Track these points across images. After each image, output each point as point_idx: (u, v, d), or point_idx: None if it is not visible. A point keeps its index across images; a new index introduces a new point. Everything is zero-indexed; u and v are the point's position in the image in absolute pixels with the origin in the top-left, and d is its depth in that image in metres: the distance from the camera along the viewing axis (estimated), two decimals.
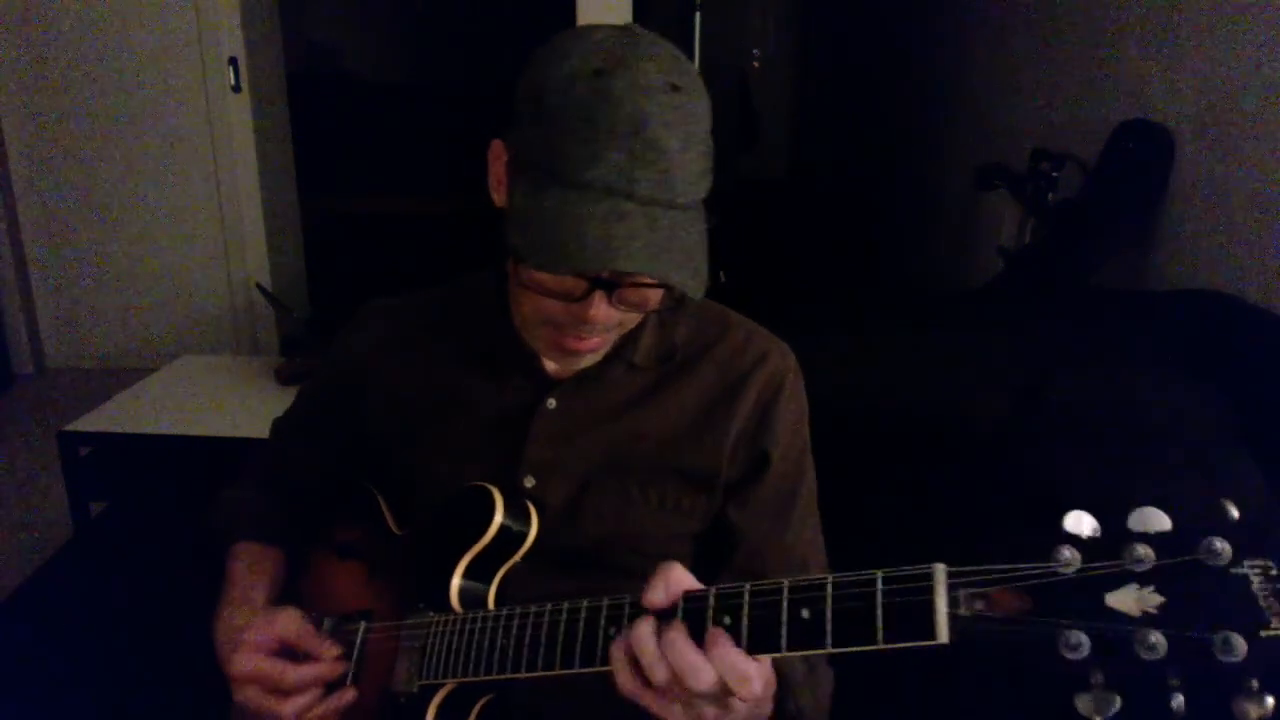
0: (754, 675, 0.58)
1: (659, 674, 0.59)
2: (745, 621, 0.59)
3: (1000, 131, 3.10)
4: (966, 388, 1.31)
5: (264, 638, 0.83)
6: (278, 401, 2.24)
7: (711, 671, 0.58)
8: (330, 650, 0.85)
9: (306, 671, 0.82)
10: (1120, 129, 2.10)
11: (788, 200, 5.58)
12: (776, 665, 0.71)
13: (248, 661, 0.81)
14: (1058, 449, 1.16)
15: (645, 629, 0.61)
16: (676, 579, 0.63)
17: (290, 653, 0.84)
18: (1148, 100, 2.09)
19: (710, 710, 0.61)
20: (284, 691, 0.81)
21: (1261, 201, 1.67)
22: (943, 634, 0.51)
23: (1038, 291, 2.17)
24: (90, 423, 2.15)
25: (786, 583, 0.59)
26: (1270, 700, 0.43)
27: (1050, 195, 2.29)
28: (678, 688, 0.59)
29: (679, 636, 0.59)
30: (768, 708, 0.69)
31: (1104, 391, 1.23)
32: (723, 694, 0.59)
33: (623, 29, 0.74)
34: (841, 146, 5.29)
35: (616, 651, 0.62)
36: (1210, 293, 1.66)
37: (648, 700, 0.62)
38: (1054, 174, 2.28)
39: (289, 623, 0.84)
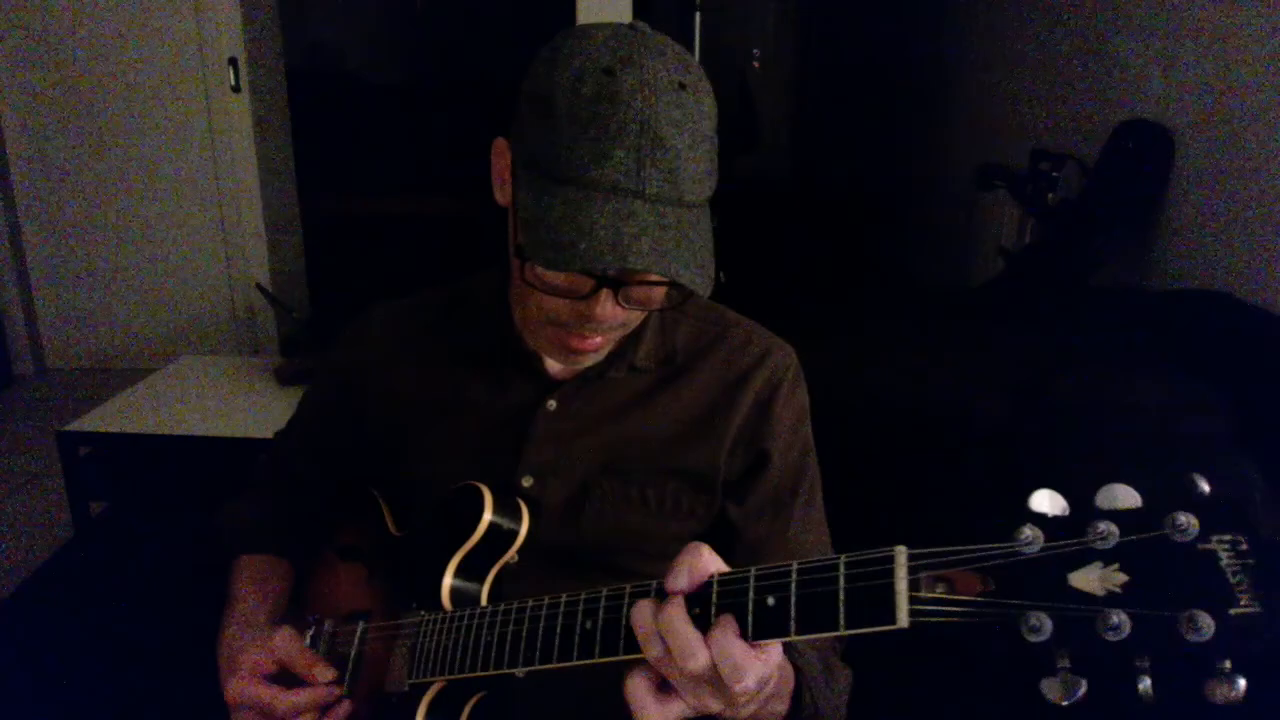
0: (751, 669, 0.57)
1: (653, 649, 0.59)
2: (713, 610, 0.59)
3: (1000, 131, 3.10)
4: (966, 388, 1.31)
5: (259, 661, 0.83)
6: (278, 401, 2.26)
7: (707, 654, 0.57)
8: (324, 674, 0.83)
9: (299, 698, 0.81)
10: (1120, 129, 2.11)
11: (788, 200, 5.57)
12: (794, 663, 0.70)
13: (242, 687, 0.81)
14: (1057, 449, 1.16)
15: (644, 605, 0.60)
16: (702, 565, 0.61)
17: (287, 674, 0.84)
18: (1148, 100, 2.09)
19: (714, 702, 0.60)
20: (278, 717, 0.81)
21: (1261, 201, 1.67)
22: (903, 618, 0.50)
23: (1038, 291, 2.17)
24: (90, 423, 2.15)
25: (754, 570, 0.58)
26: (1242, 682, 0.41)
27: (1050, 195, 2.30)
28: (673, 668, 0.58)
29: (677, 614, 0.58)
30: (782, 705, 0.68)
31: (1104, 391, 1.23)
32: (719, 681, 0.58)
33: (629, 28, 0.74)
34: (841, 146, 5.28)
35: (637, 681, 0.61)
36: (1210, 293, 1.66)
37: (654, 710, 0.61)
38: (1054, 174, 2.28)
39: (284, 645, 0.83)
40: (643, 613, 0.60)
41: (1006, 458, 1.20)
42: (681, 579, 0.60)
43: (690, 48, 3.20)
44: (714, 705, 0.61)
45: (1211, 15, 1.88)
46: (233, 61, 3.23)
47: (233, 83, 3.25)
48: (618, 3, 2.84)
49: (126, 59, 3.23)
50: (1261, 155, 1.68)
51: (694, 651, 0.57)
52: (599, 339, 0.81)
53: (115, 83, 3.25)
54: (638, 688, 0.61)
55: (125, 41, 3.21)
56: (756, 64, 5.93)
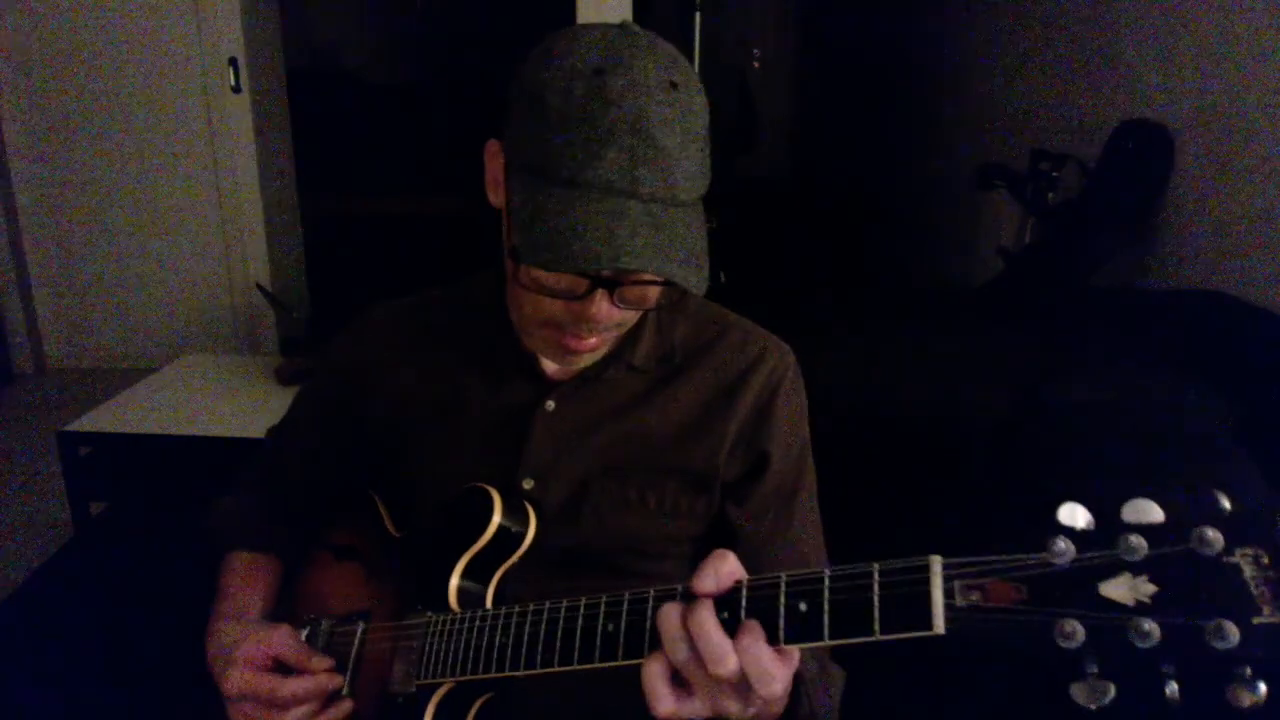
0: (778, 675, 0.57)
1: (680, 653, 0.59)
2: (741, 614, 0.59)
3: (1000, 131, 3.10)
4: (966, 388, 1.31)
5: (257, 654, 0.83)
6: (278, 401, 2.26)
7: (736, 660, 0.57)
8: (322, 663, 0.84)
9: (300, 685, 0.81)
10: (1120, 129, 2.11)
11: (788, 200, 5.58)
12: None
13: (241, 678, 0.81)
14: (1057, 449, 1.16)
15: (671, 608, 0.61)
16: (729, 570, 0.61)
17: (284, 668, 0.84)
18: (1148, 100, 2.09)
19: (733, 704, 0.61)
20: (279, 706, 0.81)
21: (1261, 201, 1.67)
22: (939, 625, 0.51)
23: (1038, 291, 2.17)
24: (90, 423, 2.15)
25: (784, 575, 0.59)
26: (1264, 687, 0.43)
27: (1050, 195, 2.30)
28: (700, 671, 0.58)
29: (708, 618, 0.59)
30: (781, 706, 0.69)
31: (1104, 391, 1.23)
32: (744, 686, 0.58)
33: (619, 28, 0.74)
34: (841, 146, 5.28)
35: (651, 669, 0.61)
36: (1210, 293, 1.66)
37: (670, 702, 0.60)
38: (1054, 174, 2.28)
39: (282, 640, 0.84)
40: (669, 616, 0.60)
41: (1006, 457, 1.20)
42: (708, 582, 0.60)
43: (690, 48, 3.20)
44: (732, 708, 0.61)
45: (1211, 15, 1.88)
46: (233, 61, 3.23)
47: (233, 83, 3.25)
48: (618, 3, 2.84)
49: (126, 59, 3.23)
50: (1261, 155, 1.68)
51: (724, 656, 0.57)
52: (595, 339, 0.81)
53: (115, 83, 3.25)
54: (654, 676, 0.61)
55: (125, 41, 3.21)
56: (756, 64, 5.93)
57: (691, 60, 0.76)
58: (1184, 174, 1.93)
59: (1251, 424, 1.14)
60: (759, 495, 0.89)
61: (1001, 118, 3.12)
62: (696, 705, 0.61)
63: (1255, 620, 0.43)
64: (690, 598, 0.61)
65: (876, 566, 0.55)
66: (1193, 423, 1.16)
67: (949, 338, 1.54)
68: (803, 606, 0.57)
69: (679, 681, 0.61)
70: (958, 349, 1.46)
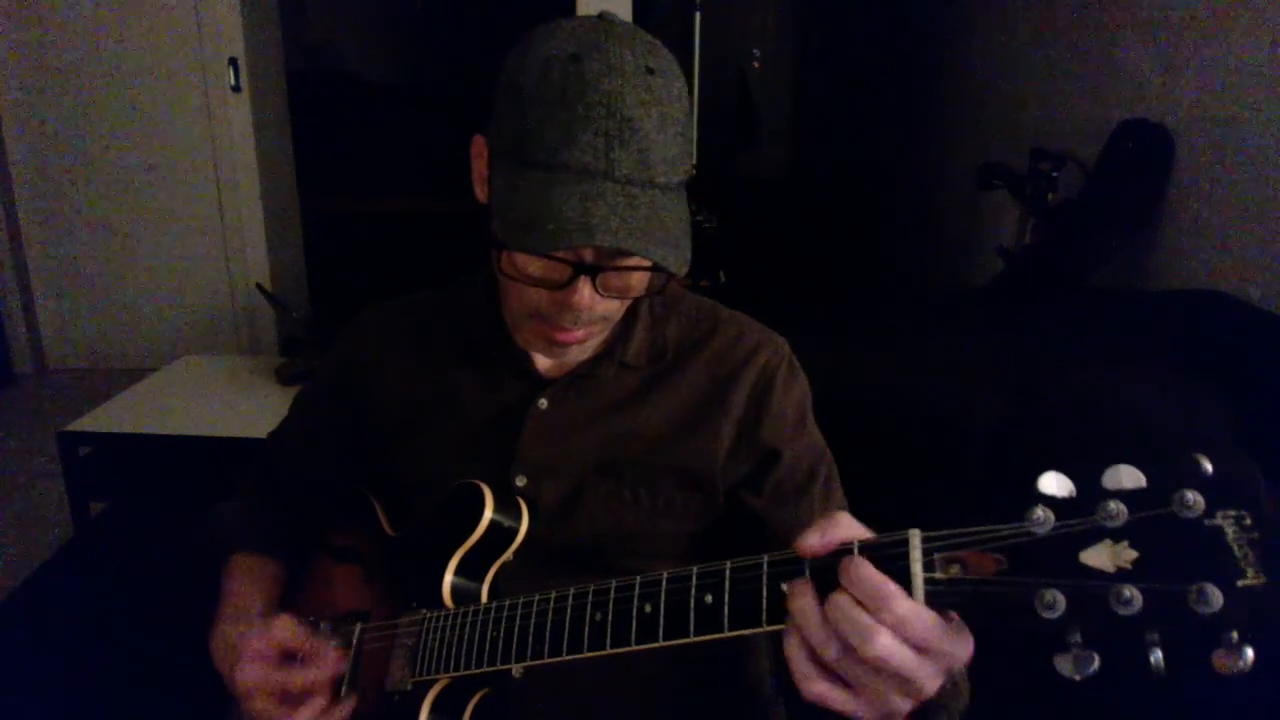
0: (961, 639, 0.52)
1: (831, 650, 0.53)
2: (726, 599, 0.59)
3: (1000, 131, 3.10)
4: (966, 388, 1.31)
5: (264, 646, 0.82)
6: (278, 401, 2.26)
7: (890, 635, 0.51)
8: (330, 649, 0.84)
9: (312, 674, 0.81)
10: (1120, 129, 2.11)
11: (788, 200, 5.57)
12: None
13: (253, 672, 0.80)
14: (1057, 449, 1.16)
15: (806, 599, 0.54)
16: (835, 528, 0.56)
17: (291, 658, 0.83)
18: (1148, 100, 2.09)
19: (896, 698, 0.53)
20: (293, 697, 0.80)
21: (1261, 201, 1.68)
22: (919, 598, 0.51)
23: (1038, 291, 2.18)
24: (90, 423, 2.15)
25: (765, 558, 0.59)
26: (1250, 652, 0.42)
27: (1050, 195, 2.30)
28: (858, 664, 0.52)
29: (845, 600, 0.52)
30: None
31: (1103, 392, 1.23)
32: (903, 671, 0.52)
33: (597, 18, 0.75)
34: (841, 146, 5.28)
35: (790, 641, 0.55)
36: (1210, 293, 1.66)
37: (818, 683, 0.54)
38: (1054, 174, 2.28)
39: (285, 629, 0.83)
40: (802, 602, 0.54)
41: (1005, 458, 1.20)
42: (814, 539, 0.56)
43: (690, 48, 3.20)
44: (896, 704, 0.54)
45: (1211, 16, 1.88)
46: (233, 61, 3.23)
47: (233, 83, 3.25)
48: (618, 3, 2.84)
49: (126, 59, 3.23)
50: (1261, 155, 1.68)
51: (870, 632, 0.51)
52: (581, 331, 0.81)
53: (115, 83, 3.25)
54: (792, 648, 0.55)
55: (125, 42, 3.21)
56: (756, 64, 5.92)
57: (691, 60, 0.76)
58: (1184, 174, 1.93)
59: (1251, 424, 1.14)
60: (775, 484, 0.88)
61: (1001, 118, 3.13)
62: (860, 704, 0.54)
63: (1239, 583, 0.42)
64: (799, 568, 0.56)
65: (857, 543, 0.55)
66: (1192, 423, 1.16)
67: (949, 337, 1.54)
68: (784, 587, 0.56)
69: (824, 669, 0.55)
70: (958, 349, 1.46)
